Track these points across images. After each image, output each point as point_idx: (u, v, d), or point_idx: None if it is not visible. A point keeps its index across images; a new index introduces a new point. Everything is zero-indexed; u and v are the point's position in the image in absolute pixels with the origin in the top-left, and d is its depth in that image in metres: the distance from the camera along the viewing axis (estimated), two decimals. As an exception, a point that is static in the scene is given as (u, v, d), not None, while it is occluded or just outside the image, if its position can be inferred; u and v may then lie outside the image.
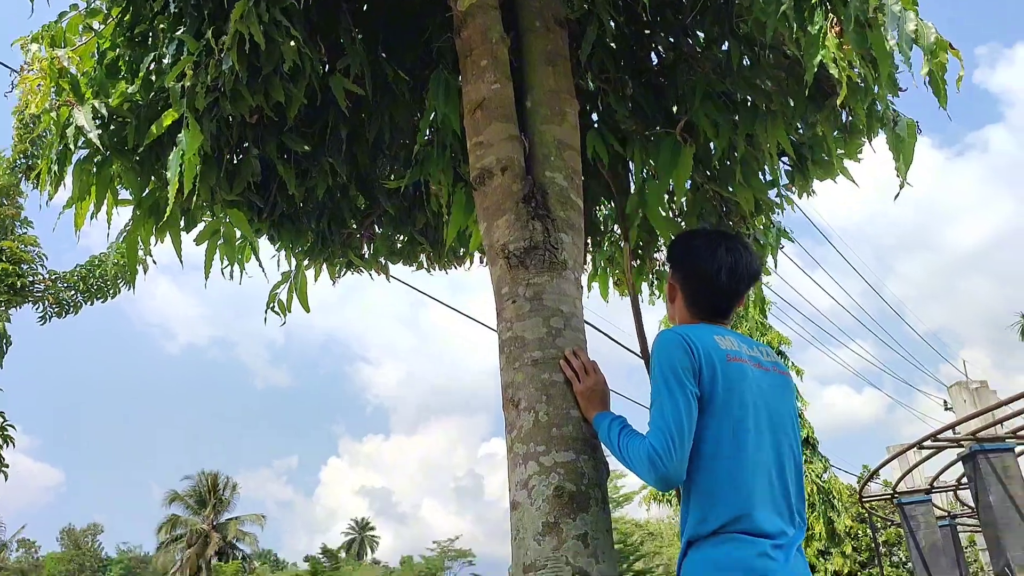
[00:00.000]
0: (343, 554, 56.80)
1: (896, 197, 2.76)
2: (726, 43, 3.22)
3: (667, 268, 2.56)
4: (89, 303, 13.06)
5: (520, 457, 2.51)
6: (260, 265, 3.68)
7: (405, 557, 51.10)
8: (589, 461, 2.47)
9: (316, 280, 4.00)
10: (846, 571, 23.08)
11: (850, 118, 3.11)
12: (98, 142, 2.74)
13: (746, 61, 3.19)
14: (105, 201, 3.08)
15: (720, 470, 2.08)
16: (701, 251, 2.38)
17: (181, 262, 3.23)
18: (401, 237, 4.05)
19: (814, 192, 3.44)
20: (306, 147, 3.30)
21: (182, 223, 3.31)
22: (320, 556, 46.62)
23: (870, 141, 3.03)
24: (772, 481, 2.12)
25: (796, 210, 3.59)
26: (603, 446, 2.47)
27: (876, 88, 2.69)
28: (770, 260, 4.01)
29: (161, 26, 2.95)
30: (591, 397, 2.49)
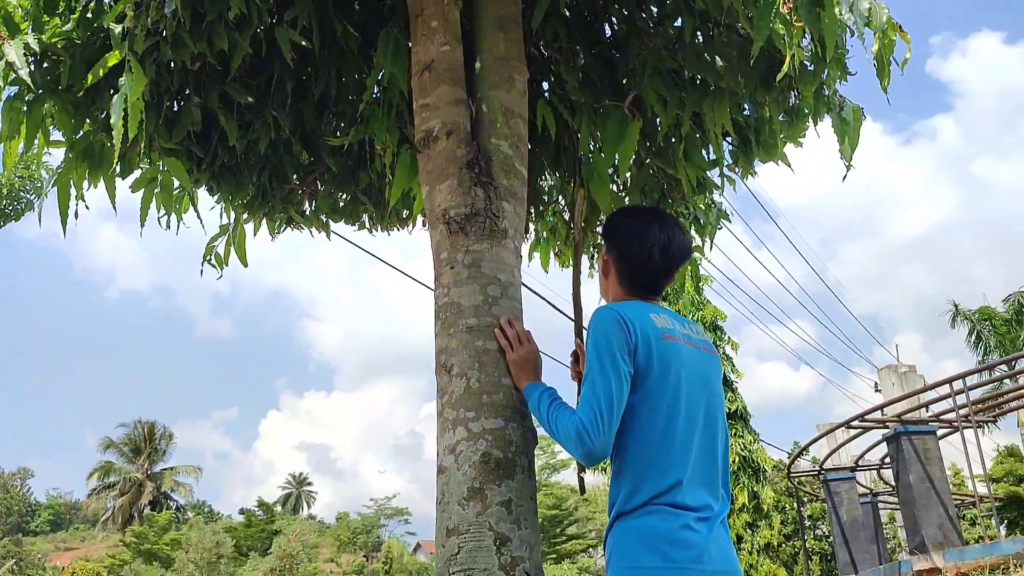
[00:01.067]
0: (279, 508, 56.73)
1: (844, 179, 2.82)
2: (679, 18, 3.22)
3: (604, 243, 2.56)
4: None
5: (449, 422, 2.52)
6: (198, 216, 3.61)
7: (341, 513, 51.21)
8: (518, 429, 2.50)
9: (255, 235, 3.94)
10: (775, 543, 23.81)
11: (797, 101, 3.14)
12: (29, 80, 2.64)
13: (699, 38, 3.19)
14: (36, 141, 2.98)
15: (651, 446, 2.12)
16: (635, 229, 2.40)
17: (115, 209, 3.15)
18: (344, 196, 4.00)
19: (756, 173, 3.49)
20: (249, 99, 3.22)
21: (117, 169, 3.22)
22: (255, 509, 46.45)
23: (815, 125, 3.07)
24: (701, 456, 2.17)
25: (744, 187, 3.64)
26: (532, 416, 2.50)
27: (826, 73, 2.72)
28: (708, 241, 4.06)
29: (102, -39, 2.84)
30: (523, 366, 2.51)
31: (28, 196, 11.95)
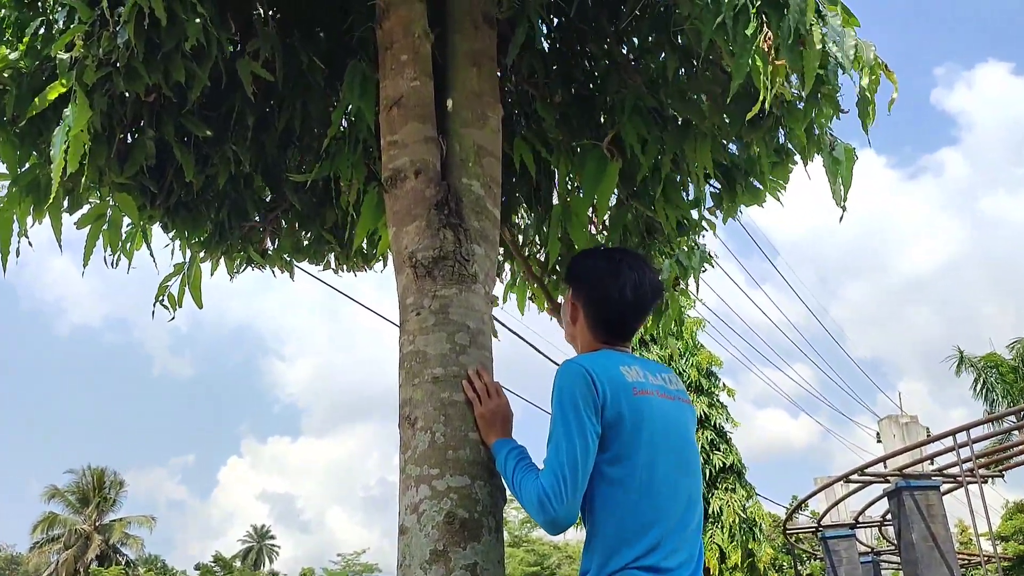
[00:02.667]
0: (238, 563, 55.81)
1: (840, 220, 2.85)
2: (662, 54, 3.28)
3: (566, 289, 2.59)
4: None
5: (412, 479, 2.52)
6: (151, 254, 3.61)
7: (306, 569, 50.45)
8: (485, 487, 2.50)
9: (212, 274, 3.94)
10: (769, 604, 23.62)
11: (786, 140, 3.20)
12: (-30, 110, 2.65)
13: (682, 74, 3.25)
14: (-22, 175, 2.98)
15: (626, 509, 2.12)
16: (603, 269, 2.43)
17: (60, 247, 3.14)
18: (308, 234, 4.01)
19: (737, 216, 3.54)
20: (208, 132, 3.24)
21: (65, 204, 3.22)
22: (212, 564, 45.73)
23: (806, 165, 3.13)
24: (679, 513, 2.18)
25: (739, 223, 3.67)
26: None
27: (814, 112, 2.78)
28: (693, 284, 4.10)
29: (52, -12, 2.87)
30: (492, 421, 2.51)
31: None
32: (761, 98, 2.40)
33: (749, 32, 2.40)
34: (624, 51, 3.42)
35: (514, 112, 3.62)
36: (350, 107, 3.16)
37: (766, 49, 2.42)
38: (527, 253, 4.03)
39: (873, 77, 2.54)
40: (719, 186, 3.53)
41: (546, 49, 3.52)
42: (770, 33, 2.41)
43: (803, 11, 2.38)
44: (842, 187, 2.85)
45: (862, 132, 2.65)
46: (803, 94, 2.69)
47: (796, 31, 2.39)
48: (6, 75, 2.84)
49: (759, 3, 2.41)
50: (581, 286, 2.48)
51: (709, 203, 3.59)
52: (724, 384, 24.44)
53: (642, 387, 2.23)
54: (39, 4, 2.85)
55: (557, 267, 3.67)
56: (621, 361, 2.29)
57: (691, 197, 3.56)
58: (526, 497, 2.18)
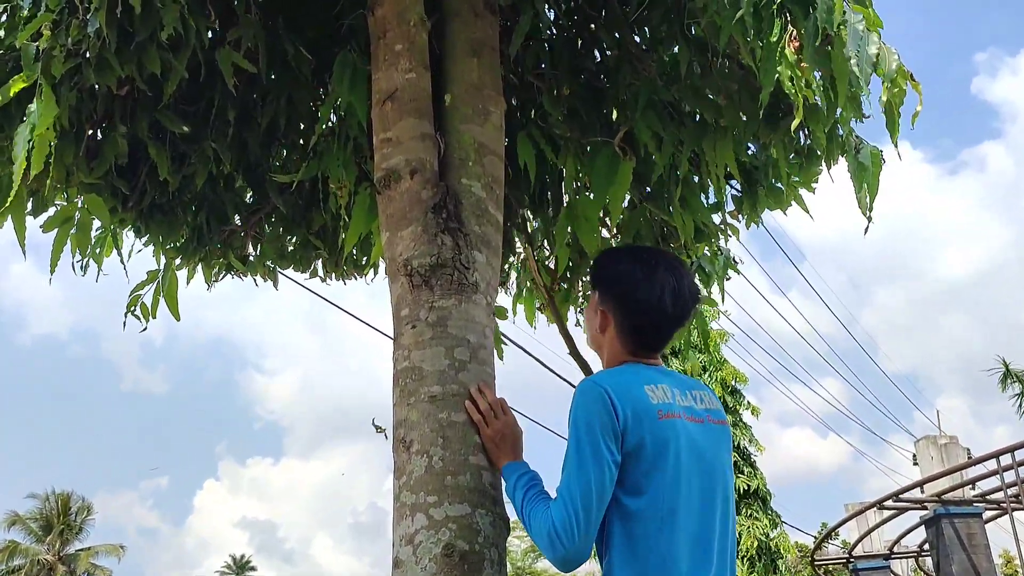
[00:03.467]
0: (215, 597, 55.69)
1: (865, 232, 2.83)
2: (675, 45, 3.28)
3: (592, 292, 2.54)
4: None
5: (407, 508, 2.51)
6: (121, 260, 3.62)
7: (289, 604, 50.33)
8: (487, 516, 2.49)
9: (188, 283, 3.95)
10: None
11: (808, 142, 3.20)
12: (-74, 106, 2.66)
13: (696, 68, 3.24)
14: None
15: (647, 543, 2.10)
16: (637, 274, 2.35)
17: (23, 252, 3.13)
18: (293, 239, 4.02)
19: (759, 222, 3.54)
20: (185, 128, 3.26)
21: (29, 206, 3.23)
22: (187, 599, 45.58)
23: (829, 168, 3.12)
24: (705, 546, 2.15)
25: (764, 225, 3.65)
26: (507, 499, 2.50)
27: (838, 111, 2.78)
28: (716, 292, 4.10)
29: (17, -27, 2.88)
30: (500, 443, 2.50)
31: None
32: (798, 106, 2.41)
33: (774, 38, 2.40)
34: (637, 40, 3.42)
35: (518, 107, 3.63)
36: (340, 101, 3.16)
37: (792, 52, 2.42)
38: (536, 259, 4.04)
39: (896, 90, 2.54)
40: (740, 189, 3.53)
41: (553, 38, 3.52)
42: (795, 33, 2.41)
43: (831, 9, 2.38)
44: (868, 194, 2.83)
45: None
46: (826, 94, 2.69)
47: (823, 31, 2.39)
48: (-34, 67, 2.86)
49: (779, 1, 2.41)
50: (611, 293, 2.40)
51: (730, 207, 3.59)
52: (748, 402, 24.45)
53: (668, 409, 2.19)
54: (2, -10, 2.86)
55: (567, 274, 3.66)
56: (647, 379, 2.24)
57: (711, 200, 3.56)
58: (536, 531, 2.17)
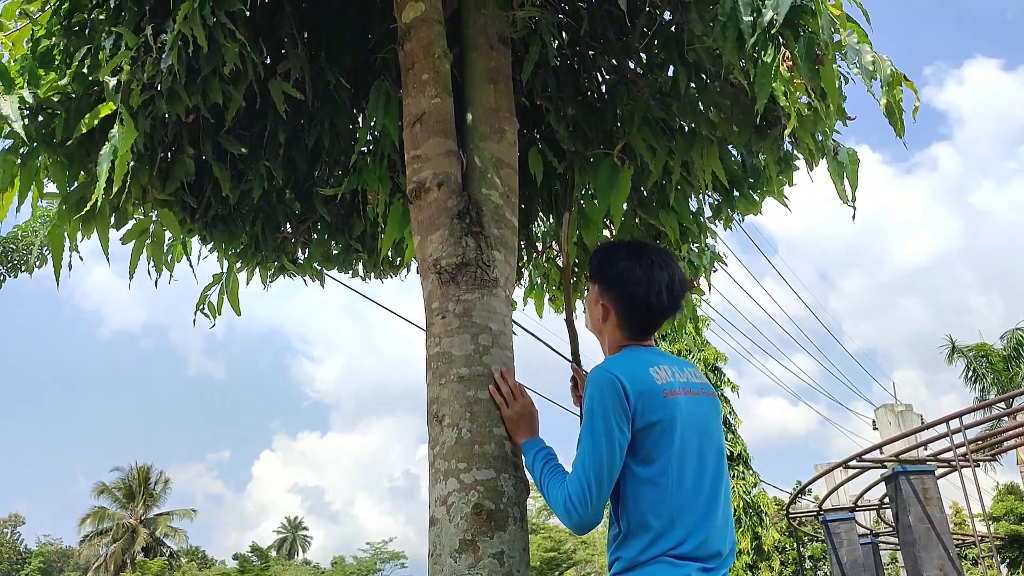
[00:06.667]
0: (274, 553, 55.95)
1: (853, 218, 2.81)
2: (672, 68, 3.26)
3: (592, 285, 2.48)
4: (13, 276, 12.64)
5: (441, 473, 2.51)
6: (191, 266, 3.63)
7: (337, 558, 50.47)
8: (509, 480, 2.49)
9: (248, 283, 3.96)
10: (774, 584, 23.51)
11: (791, 148, 3.17)
12: (22, 133, 2.66)
13: (692, 88, 3.23)
14: (30, 193, 3.00)
15: (656, 507, 2.08)
16: (635, 270, 2.32)
17: (108, 260, 3.15)
18: (337, 244, 4.02)
19: (733, 227, 3.52)
20: (243, 149, 3.26)
21: (112, 220, 3.24)
22: (250, 554, 45.77)
23: (811, 170, 3.10)
24: (708, 508, 2.13)
25: (742, 220, 3.61)
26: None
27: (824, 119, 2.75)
28: (706, 283, 4.08)
29: (99, 17, 2.88)
30: (519, 423, 2.51)
31: (19, 249, 12.04)
32: (792, 117, 2.39)
33: (769, 59, 2.38)
34: (632, 66, 3.41)
35: (529, 125, 3.61)
36: (375, 124, 3.16)
37: (786, 69, 2.39)
38: (545, 258, 4.03)
39: (894, 92, 2.51)
40: (719, 197, 3.51)
41: (558, 66, 3.51)
42: (788, 54, 2.39)
43: (818, 31, 2.36)
44: (849, 188, 2.82)
45: (855, 133, 2.62)
46: (815, 106, 2.66)
47: (812, 51, 2.37)
48: (55, 99, 2.87)
49: (776, 28, 2.38)
50: (611, 288, 2.37)
51: (708, 213, 3.57)
52: (729, 380, 24.42)
53: (671, 387, 2.18)
54: (87, 32, 2.87)
55: (575, 269, 3.64)
56: (651, 362, 2.23)
57: (695, 207, 3.54)
58: (553, 500, 2.18)
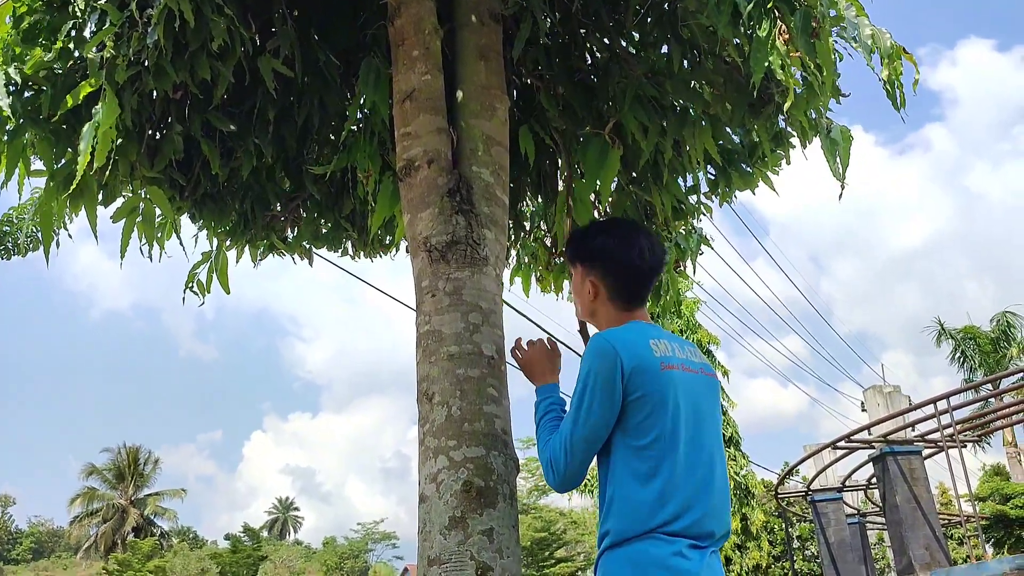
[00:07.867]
0: (265, 533, 56.10)
1: (840, 197, 2.81)
2: (665, 46, 3.24)
3: (573, 269, 2.49)
4: (5, 258, 12.58)
5: (431, 451, 2.52)
6: (180, 244, 3.61)
7: (328, 538, 50.74)
8: (499, 457, 2.50)
9: (238, 261, 3.93)
10: (764, 564, 23.74)
11: (785, 125, 3.16)
12: (8, 110, 2.64)
13: (686, 65, 3.21)
14: (16, 170, 2.97)
15: (648, 477, 2.08)
16: (615, 243, 2.36)
17: (96, 237, 3.13)
18: (326, 222, 4.00)
19: (732, 201, 3.51)
20: (232, 127, 3.24)
21: (100, 197, 3.21)
22: (241, 535, 45.89)
23: (804, 148, 3.09)
24: (702, 486, 2.12)
25: (733, 201, 3.60)
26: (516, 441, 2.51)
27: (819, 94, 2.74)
28: (692, 266, 4.08)
29: (82, -7, 2.85)
30: (532, 368, 2.52)
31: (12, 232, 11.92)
32: (789, 92, 2.38)
33: (763, 34, 2.36)
34: (624, 44, 3.39)
35: (520, 103, 3.60)
36: (365, 101, 3.14)
37: (782, 43, 2.38)
38: (533, 237, 4.02)
39: (894, 64, 2.50)
40: (714, 172, 3.50)
41: (549, 43, 3.49)
42: (784, 27, 2.37)
43: (814, 4, 2.34)
44: (841, 166, 2.81)
45: (849, 111, 2.61)
46: (811, 81, 2.64)
47: (808, 24, 2.36)
48: (41, 75, 2.83)
49: (771, 1, 2.36)
50: (596, 263, 2.38)
51: (704, 189, 3.56)
52: (720, 364, 24.52)
53: (669, 361, 2.18)
54: (70, 7, 2.83)
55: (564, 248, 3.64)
56: (651, 335, 2.23)
57: (689, 184, 3.53)
58: (540, 451, 2.25)
